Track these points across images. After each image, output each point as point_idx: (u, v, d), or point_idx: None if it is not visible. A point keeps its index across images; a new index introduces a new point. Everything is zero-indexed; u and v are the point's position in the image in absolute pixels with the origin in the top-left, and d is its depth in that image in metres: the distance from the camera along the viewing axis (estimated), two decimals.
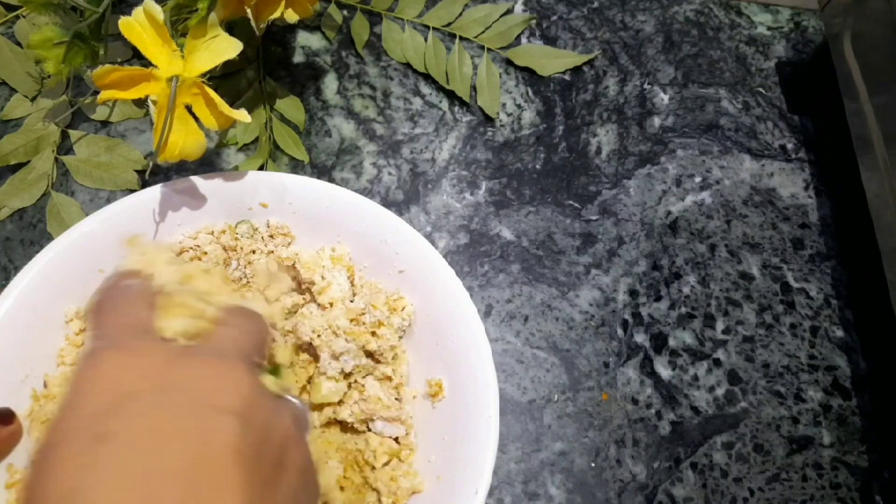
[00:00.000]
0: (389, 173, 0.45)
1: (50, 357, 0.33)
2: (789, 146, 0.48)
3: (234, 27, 0.41)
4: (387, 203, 0.44)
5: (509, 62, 0.48)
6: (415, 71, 0.47)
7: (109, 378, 0.20)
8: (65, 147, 0.43)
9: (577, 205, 0.45)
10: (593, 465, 0.39)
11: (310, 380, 0.34)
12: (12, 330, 0.32)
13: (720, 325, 0.43)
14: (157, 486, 0.17)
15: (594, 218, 0.45)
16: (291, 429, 0.22)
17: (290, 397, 0.24)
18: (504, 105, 0.48)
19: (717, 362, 0.42)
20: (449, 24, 0.49)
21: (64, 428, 0.19)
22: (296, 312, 0.35)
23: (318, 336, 0.33)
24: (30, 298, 0.32)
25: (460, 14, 0.49)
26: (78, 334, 0.34)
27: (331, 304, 0.34)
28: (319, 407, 0.34)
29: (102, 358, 0.21)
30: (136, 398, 0.19)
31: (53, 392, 0.32)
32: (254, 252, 0.36)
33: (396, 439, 0.34)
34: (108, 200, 0.42)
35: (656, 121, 0.48)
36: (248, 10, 0.38)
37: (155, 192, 0.35)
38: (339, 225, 0.36)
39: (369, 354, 0.34)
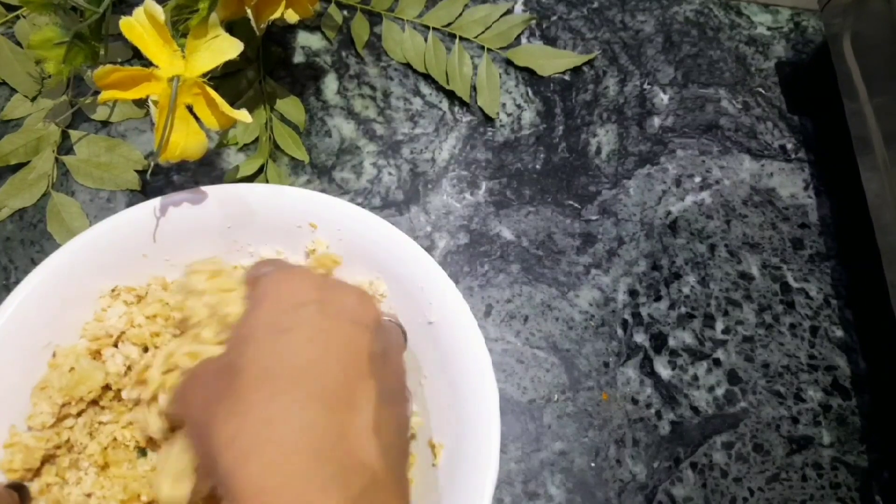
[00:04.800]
0: (389, 173, 0.45)
1: (75, 329, 0.34)
2: (789, 146, 0.48)
3: (234, 27, 0.41)
4: (387, 203, 0.44)
5: (509, 62, 0.48)
6: (415, 71, 0.48)
7: (285, 290, 0.26)
8: (65, 147, 0.43)
9: (577, 205, 0.45)
10: (593, 464, 0.39)
11: None
12: (45, 298, 0.33)
13: (720, 325, 0.43)
14: (323, 366, 0.24)
15: (594, 218, 0.45)
16: (397, 346, 0.30)
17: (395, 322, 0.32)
18: (504, 105, 0.48)
19: (717, 362, 0.42)
20: (449, 25, 0.49)
21: (253, 325, 0.25)
22: None
23: None
24: (68, 270, 0.34)
25: (460, 14, 0.49)
26: (105, 311, 0.35)
27: None
28: None
29: (279, 277, 0.27)
30: (305, 305, 0.25)
31: (59, 362, 0.33)
32: None
33: None
34: (109, 200, 0.42)
35: (656, 121, 0.48)
36: (249, 11, 0.38)
37: (202, 192, 0.36)
38: (381, 262, 0.36)
39: None
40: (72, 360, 0.33)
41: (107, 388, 0.33)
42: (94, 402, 0.33)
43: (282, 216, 0.36)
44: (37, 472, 0.32)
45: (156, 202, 0.35)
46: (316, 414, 0.23)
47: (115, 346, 0.34)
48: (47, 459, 0.32)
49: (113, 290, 0.35)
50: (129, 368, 0.34)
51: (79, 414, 0.33)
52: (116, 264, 0.35)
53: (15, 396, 0.32)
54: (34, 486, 0.32)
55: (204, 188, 0.36)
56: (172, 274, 0.37)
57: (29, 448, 0.31)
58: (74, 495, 0.32)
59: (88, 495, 0.32)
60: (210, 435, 0.23)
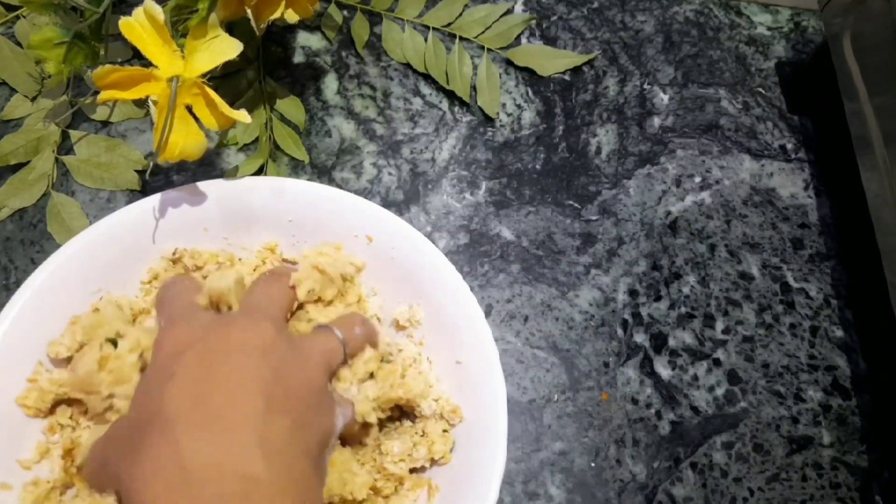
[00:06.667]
0: (389, 173, 0.45)
1: (128, 283, 0.36)
2: (789, 146, 0.48)
3: (234, 27, 0.41)
4: (387, 203, 0.44)
5: (509, 62, 0.48)
6: (415, 71, 0.48)
7: (172, 342, 0.30)
8: (65, 147, 0.43)
9: (577, 205, 0.45)
10: (593, 464, 0.39)
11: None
12: (106, 249, 0.35)
13: (720, 325, 0.43)
14: (205, 396, 0.27)
15: (594, 218, 0.45)
16: (303, 361, 0.31)
17: (336, 331, 0.33)
18: (504, 105, 0.48)
19: (717, 362, 0.42)
20: (449, 25, 0.49)
21: (148, 376, 0.30)
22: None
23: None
24: (134, 228, 0.36)
25: (460, 14, 0.49)
26: (167, 270, 0.37)
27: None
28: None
29: (168, 332, 0.31)
30: (191, 347, 0.29)
31: (98, 305, 0.35)
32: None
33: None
34: (109, 200, 0.42)
35: (656, 121, 0.48)
36: (248, 11, 0.38)
37: (278, 184, 0.37)
38: (425, 289, 0.36)
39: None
40: (103, 304, 0.34)
41: None
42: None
43: (343, 223, 0.37)
44: (51, 411, 0.33)
45: (218, 189, 0.37)
46: (197, 444, 0.26)
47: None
48: (61, 402, 0.33)
49: (175, 252, 0.37)
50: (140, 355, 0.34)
51: None
52: (177, 230, 0.37)
53: (55, 335, 0.34)
54: (45, 423, 0.33)
55: (280, 180, 0.37)
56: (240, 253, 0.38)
57: (42, 390, 0.32)
58: (85, 437, 0.33)
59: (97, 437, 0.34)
60: (129, 494, 0.26)
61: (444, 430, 0.34)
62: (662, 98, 0.49)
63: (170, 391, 0.27)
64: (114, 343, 0.32)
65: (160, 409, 0.27)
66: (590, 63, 0.49)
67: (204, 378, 0.28)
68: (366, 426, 0.33)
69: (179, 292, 0.34)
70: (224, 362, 0.28)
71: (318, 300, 0.36)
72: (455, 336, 0.35)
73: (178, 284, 0.34)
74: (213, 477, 0.25)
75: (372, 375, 0.34)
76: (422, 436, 0.34)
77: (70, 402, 0.34)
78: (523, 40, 0.50)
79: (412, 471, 0.34)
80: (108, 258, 0.35)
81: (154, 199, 0.36)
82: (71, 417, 0.33)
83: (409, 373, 0.35)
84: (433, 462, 0.34)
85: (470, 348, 0.35)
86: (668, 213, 0.46)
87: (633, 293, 0.43)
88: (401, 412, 0.36)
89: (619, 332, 0.42)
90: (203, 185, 0.37)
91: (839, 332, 0.44)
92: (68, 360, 0.33)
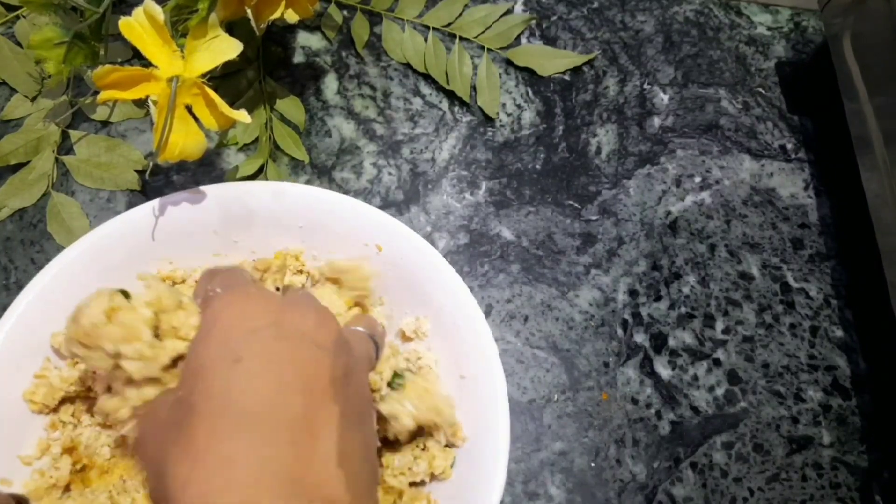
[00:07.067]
0: (389, 173, 0.45)
1: (135, 284, 0.35)
2: (789, 146, 0.48)
3: (234, 27, 0.41)
4: (387, 203, 0.44)
5: (509, 62, 0.48)
6: (415, 71, 0.48)
7: (237, 314, 0.25)
8: (65, 147, 0.43)
9: (576, 205, 0.45)
10: (593, 464, 0.39)
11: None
12: (112, 249, 0.35)
13: (720, 325, 0.43)
14: (280, 397, 0.23)
15: (594, 218, 0.45)
16: (363, 363, 0.29)
17: (367, 334, 0.31)
18: (504, 105, 0.48)
19: (717, 362, 0.42)
20: (449, 25, 0.49)
21: (203, 355, 0.24)
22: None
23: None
24: (143, 228, 0.35)
25: (460, 14, 0.49)
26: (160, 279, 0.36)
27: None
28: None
29: (229, 299, 0.26)
30: (258, 330, 0.24)
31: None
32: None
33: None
34: (109, 200, 0.42)
35: (656, 121, 0.48)
36: (248, 11, 0.38)
37: (284, 189, 0.36)
38: (433, 302, 0.36)
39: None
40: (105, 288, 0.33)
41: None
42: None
43: (354, 231, 0.37)
44: (55, 410, 0.33)
45: (227, 192, 0.36)
46: (275, 451, 0.21)
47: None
48: (66, 399, 0.33)
49: (170, 262, 0.36)
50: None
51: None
52: (174, 242, 0.36)
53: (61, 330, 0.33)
54: (47, 420, 0.33)
55: (290, 185, 0.37)
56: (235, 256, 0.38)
57: (52, 386, 0.32)
58: (85, 436, 0.33)
59: (97, 438, 0.33)
60: (166, 479, 0.22)
61: (446, 446, 0.34)
62: (662, 98, 0.49)
63: (237, 378, 0.23)
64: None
65: (224, 398, 0.22)
66: (590, 63, 0.49)
67: (278, 370, 0.23)
68: (385, 440, 0.33)
69: (231, 267, 0.30)
70: (298, 357, 0.24)
71: None
72: (460, 349, 0.35)
73: (227, 268, 0.31)
74: (288, 494, 0.21)
75: (396, 377, 0.33)
76: (423, 450, 0.34)
77: (74, 399, 0.33)
78: (523, 40, 0.50)
79: (412, 484, 0.34)
80: (116, 257, 0.35)
81: (165, 200, 0.35)
82: (73, 415, 0.33)
83: (440, 397, 0.34)
84: (433, 477, 0.34)
85: (475, 363, 0.34)
86: (668, 213, 0.46)
87: (633, 293, 0.43)
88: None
89: (619, 332, 0.42)
90: (213, 189, 0.36)
91: (839, 332, 0.44)
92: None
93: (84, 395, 0.34)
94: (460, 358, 0.35)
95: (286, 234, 0.37)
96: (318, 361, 0.24)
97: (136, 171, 0.42)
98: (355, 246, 0.37)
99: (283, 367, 0.23)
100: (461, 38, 0.48)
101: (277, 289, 0.35)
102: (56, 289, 0.33)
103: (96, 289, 0.32)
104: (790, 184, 0.47)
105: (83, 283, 0.34)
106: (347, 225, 0.37)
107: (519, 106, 0.48)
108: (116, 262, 0.35)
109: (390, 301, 0.37)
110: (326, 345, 0.25)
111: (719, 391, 0.42)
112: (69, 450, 0.33)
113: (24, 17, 0.44)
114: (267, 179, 0.43)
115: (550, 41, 0.50)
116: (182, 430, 0.22)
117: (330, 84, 0.47)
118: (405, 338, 0.37)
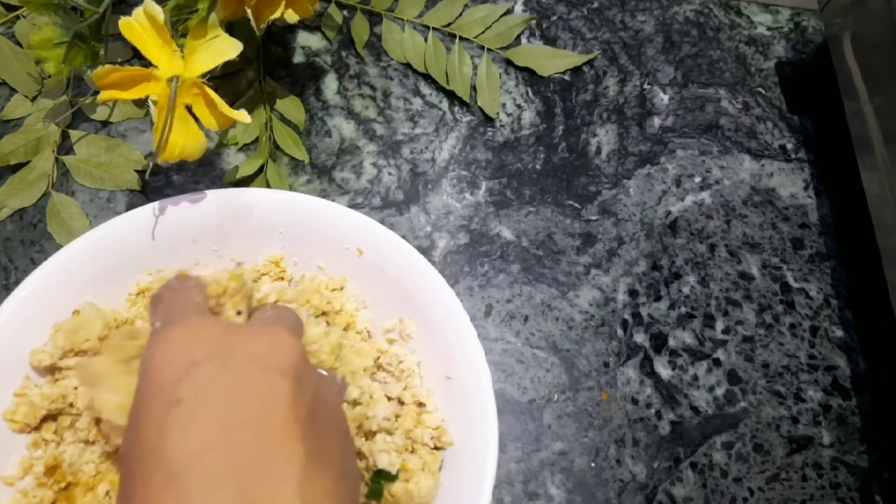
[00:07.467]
0: (389, 173, 0.45)
1: (116, 296, 0.35)
2: (789, 146, 0.48)
3: (234, 27, 0.41)
4: (387, 203, 0.44)
5: (509, 62, 0.48)
6: (415, 71, 0.48)
7: (175, 350, 0.22)
8: (65, 147, 0.43)
9: (576, 205, 0.45)
10: (593, 464, 0.39)
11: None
12: (92, 261, 0.34)
13: (720, 325, 0.43)
14: (229, 437, 0.20)
15: (594, 218, 0.45)
16: (333, 394, 0.26)
17: (322, 371, 0.28)
18: (504, 105, 0.48)
19: (717, 362, 0.42)
20: (449, 25, 0.49)
21: (142, 398, 0.22)
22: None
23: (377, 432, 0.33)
24: (122, 239, 0.35)
25: (460, 14, 0.49)
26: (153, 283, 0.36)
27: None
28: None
29: (167, 334, 0.23)
30: (200, 365, 0.21)
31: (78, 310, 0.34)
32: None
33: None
34: (109, 200, 0.42)
35: (656, 121, 0.48)
36: (248, 11, 0.38)
37: (267, 196, 0.36)
38: (416, 302, 0.36)
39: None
40: (84, 307, 0.33)
41: None
42: None
43: (333, 236, 0.36)
44: (36, 428, 0.33)
45: (204, 201, 0.36)
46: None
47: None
48: (48, 417, 0.33)
49: (151, 275, 0.36)
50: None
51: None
52: (159, 251, 0.36)
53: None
54: (29, 438, 0.32)
55: (268, 192, 0.36)
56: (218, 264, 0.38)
57: (33, 404, 0.32)
58: (69, 454, 0.32)
59: (81, 455, 0.33)
60: None
61: (434, 448, 0.34)
62: (662, 98, 0.49)
63: (172, 425, 0.20)
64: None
65: (157, 453, 0.20)
66: (590, 63, 0.49)
67: (222, 407, 0.20)
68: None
69: (181, 289, 0.27)
70: (249, 388, 0.21)
71: None
72: (446, 350, 0.35)
73: (180, 281, 0.28)
74: None
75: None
76: (411, 452, 0.34)
77: (56, 416, 0.33)
78: (523, 40, 0.50)
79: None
80: (94, 271, 0.34)
81: (141, 211, 0.35)
82: (55, 432, 0.33)
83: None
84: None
85: (460, 364, 0.34)
86: (668, 213, 0.46)
87: (633, 293, 0.43)
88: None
89: (619, 332, 0.42)
90: (192, 197, 0.36)
91: (839, 332, 0.44)
92: (51, 369, 0.33)
93: (66, 412, 0.33)
94: (445, 358, 0.35)
95: (266, 241, 0.37)
96: (274, 387, 0.21)
97: (136, 171, 0.42)
98: (336, 250, 0.37)
99: (229, 400, 0.20)
100: (461, 38, 0.48)
101: (239, 313, 0.31)
102: (31, 307, 0.33)
103: (74, 308, 0.33)
104: (790, 184, 0.47)
105: (57, 300, 0.34)
106: (327, 229, 0.36)
107: (519, 106, 0.48)
108: (92, 278, 0.35)
109: (374, 304, 0.37)
110: (285, 368, 0.22)
111: (719, 391, 0.42)
112: (52, 468, 0.32)
113: (24, 17, 0.44)
114: (267, 179, 0.43)
115: (550, 41, 0.50)
116: (123, 491, 0.20)
117: (330, 84, 0.47)
118: (390, 340, 0.37)
